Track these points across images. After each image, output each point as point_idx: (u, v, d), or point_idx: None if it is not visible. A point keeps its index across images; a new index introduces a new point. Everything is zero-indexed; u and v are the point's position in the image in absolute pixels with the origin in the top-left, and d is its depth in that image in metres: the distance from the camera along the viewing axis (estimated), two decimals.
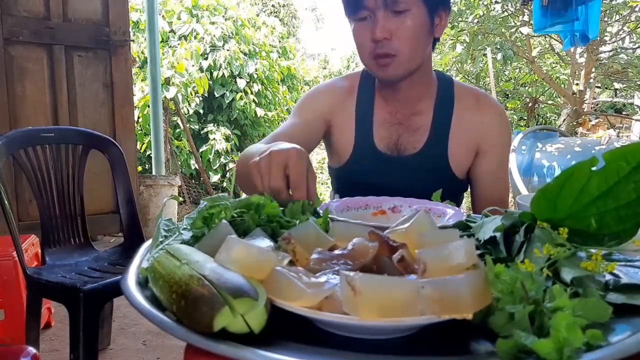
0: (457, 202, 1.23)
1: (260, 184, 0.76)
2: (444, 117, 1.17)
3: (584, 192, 0.60)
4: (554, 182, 0.61)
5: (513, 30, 5.54)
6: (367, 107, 1.21)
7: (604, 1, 5.07)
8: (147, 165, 5.14)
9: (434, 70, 1.22)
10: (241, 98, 5.69)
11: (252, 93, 5.90)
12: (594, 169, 0.58)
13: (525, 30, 5.38)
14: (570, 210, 0.61)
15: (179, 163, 5.33)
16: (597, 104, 7.16)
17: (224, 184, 5.63)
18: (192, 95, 5.31)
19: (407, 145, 1.17)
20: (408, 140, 1.17)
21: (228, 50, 5.65)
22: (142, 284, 0.59)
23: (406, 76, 1.12)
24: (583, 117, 6.06)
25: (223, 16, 6.00)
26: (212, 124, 5.69)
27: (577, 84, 5.83)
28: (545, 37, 5.97)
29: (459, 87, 1.22)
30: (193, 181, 5.63)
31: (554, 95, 7.11)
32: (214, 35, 5.68)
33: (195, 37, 5.67)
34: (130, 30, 3.53)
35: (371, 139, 1.19)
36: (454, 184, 1.20)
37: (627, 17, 5.38)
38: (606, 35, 5.54)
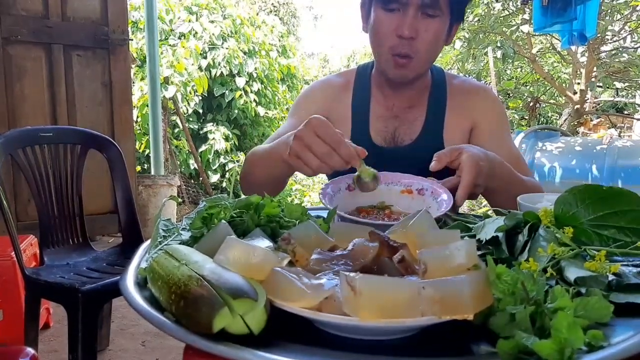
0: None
1: (311, 163, 0.81)
2: (438, 106, 1.21)
3: (611, 216, 0.62)
4: (601, 187, 0.63)
5: (514, 28, 5.54)
6: (364, 102, 1.24)
7: (605, 0, 5.07)
8: (146, 165, 5.13)
9: None
10: (240, 97, 5.68)
11: (251, 92, 5.90)
12: None
13: (526, 28, 5.38)
14: (586, 221, 0.63)
15: (178, 163, 5.32)
16: (599, 104, 7.16)
17: (224, 184, 5.62)
18: (191, 94, 5.30)
19: (404, 136, 1.20)
20: (405, 132, 1.20)
21: (227, 48, 5.64)
22: (141, 284, 0.59)
23: (417, 78, 1.15)
24: (584, 116, 6.06)
25: (222, 15, 5.99)
26: (212, 124, 5.68)
27: (579, 83, 5.83)
28: (546, 36, 5.97)
29: (450, 76, 1.26)
30: (192, 181, 5.62)
31: (555, 95, 7.11)
32: (213, 34, 5.67)
33: (194, 36, 5.66)
34: (129, 29, 3.53)
35: (367, 133, 1.20)
36: (450, 171, 1.21)
37: (629, 16, 5.38)
38: (607, 35, 5.54)
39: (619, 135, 6.52)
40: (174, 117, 5.29)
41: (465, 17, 1.22)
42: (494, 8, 5.48)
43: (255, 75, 5.96)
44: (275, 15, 10.33)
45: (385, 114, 1.22)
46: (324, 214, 0.78)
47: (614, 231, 0.62)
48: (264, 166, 1.04)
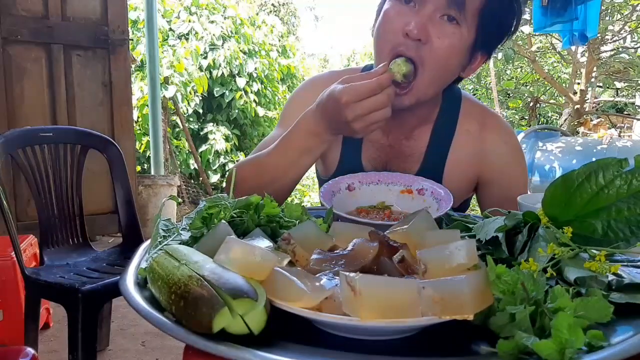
0: None
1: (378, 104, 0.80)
2: (443, 142, 1.04)
3: (600, 195, 0.60)
4: (576, 173, 0.60)
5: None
6: None
7: (605, 0, 5.07)
8: (146, 165, 5.14)
9: None
10: (241, 97, 5.68)
11: (251, 92, 5.90)
12: (623, 170, 0.58)
13: (527, 29, 5.38)
14: (580, 212, 0.61)
15: (178, 163, 5.32)
16: (599, 104, 7.17)
17: (224, 184, 5.62)
18: (191, 94, 5.30)
19: (396, 171, 1.03)
20: (398, 166, 1.04)
21: (227, 49, 5.64)
22: (141, 284, 0.59)
23: (413, 107, 0.94)
24: (584, 116, 6.06)
25: (222, 15, 5.99)
26: (212, 124, 5.69)
27: (579, 83, 5.83)
28: (546, 36, 5.97)
29: (467, 105, 1.07)
30: (192, 181, 5.63)
31: (556, 95, 7.11)
32: (214, 34, 5.68)
33: (194, 36, 5.66)
34: (129, 29, 3.53)
35: (359, 157, 1.07)
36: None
37: (629, 16, 5.38)
38: (607, 35, 5.54)
39: (619, 135, 6.52)
40: (174, 117, 5.30)
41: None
42: None
43: (255, 75, 5.97)
44: (276, 15, 10.34)
45: (380, 140, 1.05)
46: (324, 214, 0.78)
47: (609, 211, 0.59)
48: (271, 178, 0.92)
